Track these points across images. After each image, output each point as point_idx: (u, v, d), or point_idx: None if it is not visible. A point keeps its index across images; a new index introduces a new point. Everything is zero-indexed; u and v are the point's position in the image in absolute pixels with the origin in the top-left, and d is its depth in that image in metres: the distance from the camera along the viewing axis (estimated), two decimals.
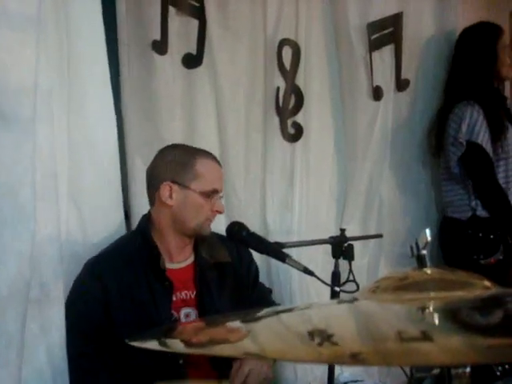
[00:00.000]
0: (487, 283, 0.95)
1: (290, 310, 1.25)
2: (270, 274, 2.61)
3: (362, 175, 2.77)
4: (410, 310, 0.97)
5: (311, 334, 0.95)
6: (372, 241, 2.79)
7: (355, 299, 1.08)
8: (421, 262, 0.99)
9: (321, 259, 2.56)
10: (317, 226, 2.74)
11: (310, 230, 2.71)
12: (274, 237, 2.55)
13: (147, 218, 2.05)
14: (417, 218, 2.92)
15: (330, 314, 1.07)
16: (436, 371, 0.90)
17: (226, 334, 1.03)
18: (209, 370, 1.95)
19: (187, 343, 1.02)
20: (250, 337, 1.02)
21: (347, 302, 1.15)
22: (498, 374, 1.34)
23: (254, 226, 2.31)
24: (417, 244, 1.00)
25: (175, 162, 1.98)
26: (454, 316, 0.94)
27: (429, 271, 0.98)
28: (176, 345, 1.03)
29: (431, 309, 0.93)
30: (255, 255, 2.26)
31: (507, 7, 3.22)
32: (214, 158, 2.04)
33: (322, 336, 0.92)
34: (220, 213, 2.03)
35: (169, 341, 1.05)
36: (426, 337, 0.88)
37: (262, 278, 2.45)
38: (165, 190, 1.95)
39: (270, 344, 0.96)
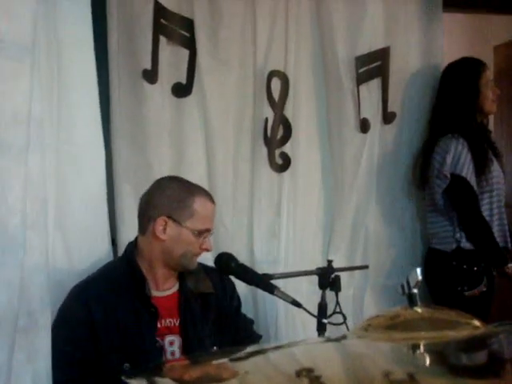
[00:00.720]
0: (476, 323, 0.96)
1: (277, 348, 1.25)
2: (256, 304, 2.61)
3: (348, 206, 2.79)
4: (398, 350, 0.97)
5: (299, 374, 0.95)
6: (358, 272, 2.80)
7: (343, 338, 1.09)
8: (411, 300, 1.00)
9: (305, 290, 2.57)
10: (303, 255, 2.75)
11: (297, 259, 2.72)
12: (260, 266, 2.56)
13: (134, 245, 2.06)
14: (402, 250, 2.93)
15: (318, 353, 1.07)
16: None
17: (218, 370, 1.03)
18: None
19: (179, 381, 1.01)
20: (239, 376, 1.01)
21: (335, 340, 1.15)
22: None
23: (240, 254, 2.33)
24: (408, 282, 1.01)
25: (173, 197, 1.98)
26: (441, 358, 0.95)
27: (419, 310, 1.00)
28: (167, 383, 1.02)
29: (421, 349, 0.94)
30: (241, 284, 2.26)
31: (491, 42, 3.29)
32: (210, 197, 2.06)
33: (310, 376, 0.92)
34: (208, 251, 2.05)
35: (159, 380, 1.04)
36: (412, 380, 0.88)
37: (248, 308, 2.45)
38: (160, 223, 1.97)
39: None
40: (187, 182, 2.07)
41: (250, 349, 1.22)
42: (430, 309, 1.01)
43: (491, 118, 3.11)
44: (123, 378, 0.98)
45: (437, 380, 0.86)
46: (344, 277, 2.19)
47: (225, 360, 1.05)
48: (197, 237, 1.98)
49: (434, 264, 2.78)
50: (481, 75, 2.79)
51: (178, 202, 1.97)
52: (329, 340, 1.24)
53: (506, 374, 0.87)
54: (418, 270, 1.01)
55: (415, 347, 0.95)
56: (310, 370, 0.89)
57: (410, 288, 1.00)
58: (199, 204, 1.99)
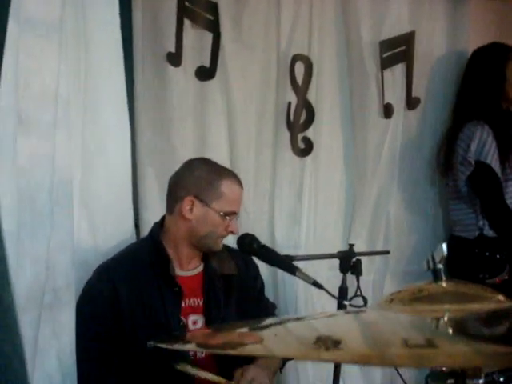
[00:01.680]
0: (501, 297, 0.97)
1: (297, 319, 1.27)
2: (277, 287, 2.62)
3: (370, 192, 2.78)
4: (418, 320, 0.98)
5: (318, 340, 0.96)
6: (378, 258, 2.79)
7: (364, 310, 1.10)
8: (436, 275, 1.01)
9: (326, 274, 2.56)
10: (324, 241, 2.75)
11: (317, 244, 2.73)
12: (281, 250, 2.54)
13: (160, 225, 2.08)
14: (423, 237, 2.92)
15: (337, 323, 1.09)
16: (451, 382, 0.91)
17: (241, 337, 1.05)
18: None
19: (204, 346, 1.03)
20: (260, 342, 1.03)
21: (355, 312, 1.16)
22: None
23: (261, 238, 2.31)
24: (433, 258, 1.01)
25: (202, 178, 2.02)
26: (461, 327, 0.96)
27: (444, 284, 1.00)
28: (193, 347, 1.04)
29: (442, 320, 0.95)
30: (262, 268, 2.28)
31: None
32: (238, 180, 2.09)
33: (329, 342, 0.94)
34: (233, 233, 2.07)
35: (185, 345, 1.06)
36: (430, 344, 0.90)
37: (269, 291, 2.46)
38: (187, 203, 1.99)
39: (277, 347, 0.98)
40: (217, 164, 2.10)
41: (270, 320, 1.24)
42: (454, 283, 1.02)
43: None
44: (151, 344, 1.00)
45: (455, 345, 0.87)
46: (364, 262, 2.19)
47: (246, 329, 1.07)
48: (223, 219, 2.00)
49: (455, 251, 2.76)
50: (507, 61, 2.76)
51: (206, 183, 2.00)
52: (349, 312, 1.25)
53: None
54: (444, 246, 1.01)
55: (436, 318, 0.96)
56: (328, 337, 0.90)
57: (434, 263, 1.00)
58: (227, 186, 2.01)
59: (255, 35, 2.59)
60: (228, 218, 2.01)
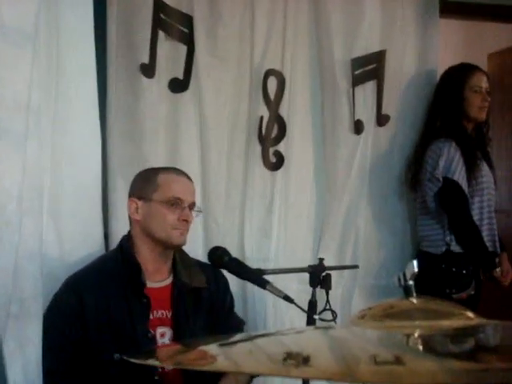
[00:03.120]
0: (469, 314, 0.99)
1: (265, 335, 1.27)
2: (246, 300, 2.62)
3: (339, 207, 2.81)
4: (387, 337, 0.99)
5: (287, 357, 0.96)
6: (347, 272, 2.81)
7: (330, 327, 1.11)
8: (407, 292, 1.02)
9: (295, 288, 2.57)
10: (293, 254, 2.76)
11: (287, 258, 2.74)
12: (250, 263, 2.53)
13: (128, 238, 2.07)
14: (392, 251, 2.95)
15: (306, 339, 1.09)
16: None
17: (196, 359, 1.05)
18: None
19: (172, 362, 1.02)
20: (225, 358, 1.04)
21: (323, 328, 1.17)
22: None
23: (231, 251, 2.30)
24: (404, 275, 1.03)
25: (139, 179, 2.08)
26: (429, 343, 0.97)
27: (415, 301, 1.02)
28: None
29: (410, 336, 0.96)
30: (232, 282, 2.27)
31: (485, 49, 3.32)
32: (179, 171, 2.09)
33: (297, 359, 0.94)
34: (186, 221, 2.03)
35: (153, 360, 1.06)
36: (399, 361, 0.91)
37: (238, 305, 2.46)
38: (131, 205, 2.03)
39: (246, 364, 0.99)
40: (158, 167, 2.14)
41: (239, 336, 1.24)
42: (424, 300, 1.04)
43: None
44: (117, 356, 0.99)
45: (423, 362, 0.88)
46: (333, 276, 2.20)
47: (214, 345, 1.06)
48: (169, 207, 1.99)
49: (423, 266, 2.79)
50: (466, 81, 2.80)
51: (143, 181, 2.05)
52: (317, 328, 1.26)
53: (489, 360, 0.90)
54: (415, 262, 1.03)
55: (404, 334, 0.97)
56: (297, 354, 0.91)
57: (406, 280, 1.02)
58: (162, 177, 2.03)
59: (229, 49, 2.61)
60: (175, 206, 1.99)
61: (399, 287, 1.04)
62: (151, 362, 1.03)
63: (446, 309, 1.00)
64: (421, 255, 2.84)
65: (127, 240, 2.06)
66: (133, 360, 0.99)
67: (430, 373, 0.84)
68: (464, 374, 0.84)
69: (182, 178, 2.07)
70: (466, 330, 0.97)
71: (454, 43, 3.15)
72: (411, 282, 1.03)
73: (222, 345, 1.12)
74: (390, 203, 2.95)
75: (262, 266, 2.45)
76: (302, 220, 2.83)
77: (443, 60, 2.98)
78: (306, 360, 0.93)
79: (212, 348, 1.07)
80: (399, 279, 1.03)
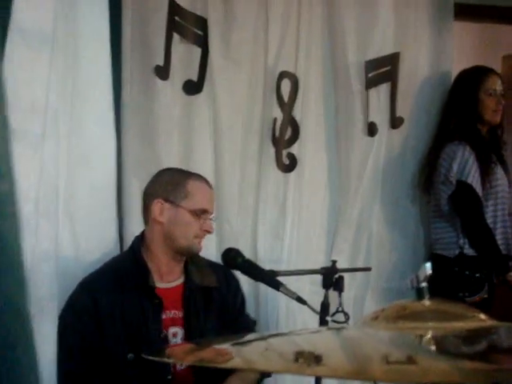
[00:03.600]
0: (482, 316, 0.99)
1: (278, 335, 1.28)
2: (258, 302, 2.62)
3: (352, 209, 2.81)
4: (399, 337, 1.00)
5: (299, 355, 0.97)
6: (359, 274, 2.81)
7: (344, 328, 1.11)
8: (420, 293, 1.03)
9: (308, 290, 2.58)
10: (306, 256, 2.77)
11: (300, 260, 2.74)
12: (263, 265, 2.54)
13: (140, 239, 2.09)
14: (404, 254, 2.94)
15: (318, 339, 1.10)
16: None
17: (215, 356, 1.06)
18: None
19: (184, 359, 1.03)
20: (238, 356, 1.05)
21: (336, 329, 1.18)
22: None
23: (244, 252, 2.32)
24: (417, 277, 1.04)
25: (168, 182, 2.06)
26: (441, 344, 0.98)
27: (427, 303, 1.02)
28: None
29: (426, 337, 0.97)
30: (244, 283, 2.28)
31: (500, 52, 3.31)
32: (205, 180, 2.12)
33: (310, 358, 0.95)
34: (209, 232, 2.09)
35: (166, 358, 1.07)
36: (411, 361, 0.91)
37: (250, 306, 2.47)
38: (156, 207, 2.02)
39: (260, 362, 1.00)
40: (182, 169, 2.16)
41: (251, 335, 1.25)
42: (437, 302, 1.04)
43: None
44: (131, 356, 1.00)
45: (435, 362, 0.89)
46: (346, 278, 2.20)
47: (227, 344, 1.08)
48: (195, 217, 2.02)
49: (435, 269, 2.79)
50: (481, 84, 2.79)
51: (172, 185, 2.04)
52: (331, 328, 1.27)
53: (502, 361, 0.90)
54: (428, 265, 1.04)
55: (417, 335, 0.98)
56: (309, 353, 0.92)
57: (418, 282, 1.02)
58: (193, 185, 2.04)
59: (243, 51, 2.63)
60: (200, 216, 2.02)
61: (412, 289, 1.05)
62: (172, 359, 1.03)
63: (459, 311, 1.00)
64: (433, 258, 2.83)
65: (138, 242, 2.08)
66: (152, 358, 1.00)
67: (442, 372, 0.85)
68: (475, 374, 0.85)
69: (209, 189, 2.10)
70: (479, 331, 0.97)
71: (468, 46, 3.14)
72: (424, 284, 1.03)
73: (235, 344, 1.13)
74: (402, 206, 2.95)
75: (275, 268, 2.46)
76: (315, 222, 2.83)
77: (457, 62, 2.97)
78: (318, 359, 0.94)
79: (226, 347, 1.08)
80: (412, 281, 1.03)
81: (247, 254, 2.56)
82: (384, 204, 2.91)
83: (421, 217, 2.99)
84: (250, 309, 2.45)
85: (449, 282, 2.72)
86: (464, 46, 3.07)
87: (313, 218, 2.82)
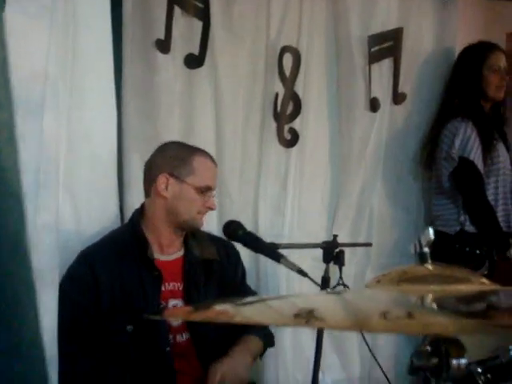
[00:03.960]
0: (484, 280, 0.99)
1: (278, 298, 1.28)
2: (259, 275, 2.63)
3: (354, 185, 2.81)
4: (399, 297, 1.00)
5: (298, 313, 0.97)
6: (360, 250, 2.82)
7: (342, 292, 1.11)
8: (422, 259, 1.03)
9: (309, 264, 2.58)
10: (307, 231, 2.77)
11: (301, 235, 2.74)
12: (264, 239, 2.55)
13: (140, 211, 2.10)
14: (405, 231, 2.95)
15: (318, 299, 1.10)
16: (435, 361, 0.93)
17: (217, 315, 1.06)
18: (194, 360, 2.00)
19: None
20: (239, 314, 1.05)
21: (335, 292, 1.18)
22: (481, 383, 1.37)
23: (245, 227, 2.34)
24: (420, 242, 1.04)
25: (174, 157, 2.04)
26: (441, 304, 0.98)
27: (430, 267, 1.02)
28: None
29: (427, 297, 0.97)
30: (245, 256, 2.29)
31: (504, 28, 3.28)
32: (210, 157, 2.11)
33: (309, 315, 0.95)
34: (212, 209, 2.10)
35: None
36: (410, 316, 0.92)
37: (251, 279, 2.47)
38: (161, 181, 2.01)
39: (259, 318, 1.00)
40: (187, 144, 2.14)
41: (251, 298, 1.25)
42: (439, 266, 1.04)
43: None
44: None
45: (434, 317, 0.89)
46: (347, 254, 2.21)
47: (227, 305, 1.08)
48: (199, 194, 2.02)
49: (436, 246, 2.79)
50: (485, 60, 2.78)
51: (179, 160, 2.03)
52: (329, 292, 1.27)
53: (500, 318, 0.90)
54: (431, 230, 1.04)
55: (418, 296, 0.98)
56: (309, 311, 0.92)
57: (421, 247, 1.02)
58: (198, 161, 2.03)
59: (245, 25, 2.60)
60: (204, 193, 2.02)
61: (414, 255, 1.05)
62: (180, 317, 1.03)
63: (462, 275, 1.00)
64: (434, 234, 2.82)
65: (138, 215, 2.08)
66: (158, 318, 1.00)
67: (437, 324, 0.85)
68: (474, 327, 0.85)
69: (213, 166, 2.10)
70: (480, 293, 0.97)
71: (472, 21, 3.11)
72: (426, 249, 1.03)
73: (235, 305, 1.13)
74: (404, 182, 2.95)
75: (276, 242, 2.48)
76: (316, 197, 2.83)
77: (461, 38, 2.95)
78: (317, 315, 0.94)
79: (226, 307, 1.08)
80: (415, 246, 1.03)
81: (248, 228, 2.54)
82: (386, 180, 2.91)
83: (422, 193, 2.99)
84: (250, 282, 2.45)
85: (449, 258, 2.69)
86: (468, 22, 3.05)
87: (314, 194, 2.82)
